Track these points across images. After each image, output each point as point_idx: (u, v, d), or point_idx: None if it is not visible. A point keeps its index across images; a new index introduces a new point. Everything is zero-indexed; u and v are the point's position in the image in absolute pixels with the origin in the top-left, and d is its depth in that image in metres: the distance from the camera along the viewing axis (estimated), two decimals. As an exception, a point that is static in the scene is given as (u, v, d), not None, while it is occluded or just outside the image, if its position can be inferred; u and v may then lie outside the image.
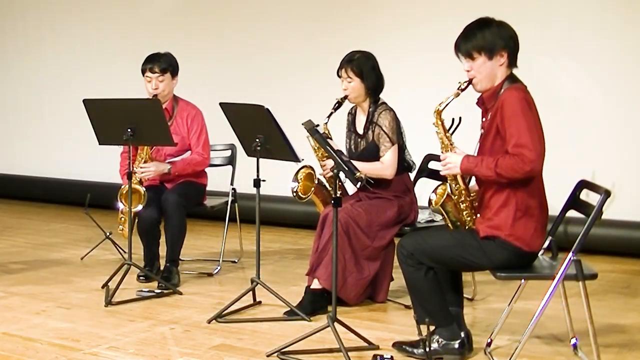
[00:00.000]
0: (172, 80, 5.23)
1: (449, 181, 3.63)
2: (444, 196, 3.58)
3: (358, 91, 4.58)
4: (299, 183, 4.67)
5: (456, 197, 3.61)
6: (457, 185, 3.61)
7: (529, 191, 3.48)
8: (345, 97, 4.58)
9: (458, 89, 3.54)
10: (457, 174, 3.57)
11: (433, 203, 3.61)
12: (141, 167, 5.09)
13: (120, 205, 5.08)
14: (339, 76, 4.60)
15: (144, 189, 5.02)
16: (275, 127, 4.28)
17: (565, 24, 6.27)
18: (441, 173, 3.66)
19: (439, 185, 3.63)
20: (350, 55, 4.61)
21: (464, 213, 3.62)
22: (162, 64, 5.16)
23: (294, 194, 4.67)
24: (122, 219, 5.13)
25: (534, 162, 3.35)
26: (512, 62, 3.55)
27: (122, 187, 5.06)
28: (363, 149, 4.64)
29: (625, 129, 6.15)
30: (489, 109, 3.54)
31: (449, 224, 3.66)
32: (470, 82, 3.55)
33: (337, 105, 4.56)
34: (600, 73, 6.20)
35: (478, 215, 3.63)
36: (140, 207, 4.96)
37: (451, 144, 3.61)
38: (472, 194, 3.63)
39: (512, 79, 3.54)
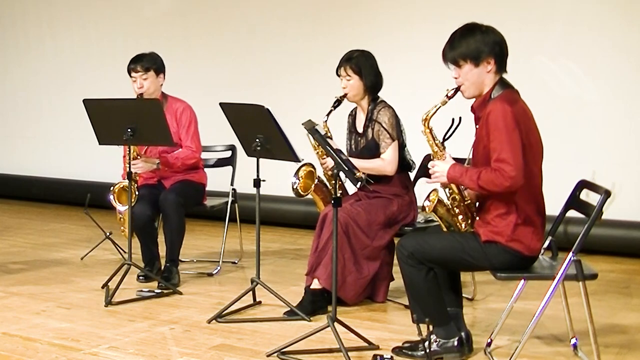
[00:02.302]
0: (156, 78, 5.24)
1: (441, 187, 3.64)
2: (435, 202, 3.59)
3: (357, 89, 4.59)
4: (299, 180, 4.68)
5: (449, 202, 3.61)
6: (451, 191, 3.62)
7: (526, 198, 3.48)
8: (345, 96, 4.59)
9: (445, 96, 3.54)
10: (445, 183, 3.58)
11: (427, 209, 3.62)
12: (132, 164, 5.10)
13: (111, 198, 5.08)
14: (338, 75, 4.61)
15: (136, 185, 5.01)
16: (275, 127, 4.28)
17: (565, 24, 6.27)
18: (428, 182, 3.65)
19: (432, 191, 3.63)
20: (349, 54, 4.62)
21: (459, 218, 3.62)
22: (145, 63, 5.20)
23: (294, 190, 4.67)
24: (122, 219, 5.15)
25: (513, 178, 3.35)
26: (501, 68, 3.53)
27: (117, 183, 5.09)
28: (363, 147, 4.65)
29: (625, 129, 6.15)
30: (480, 117, 3.54)
31: (444, 228, 3.66)
32: (458, 89, 3.55)
33: (336, 103, 4.58)
34: (600, 73, 6.20)
35: (477, 218, 3.63)
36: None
37: (441, 151, 3.61)
38: (467, 199, 3.63)
39: (502, 84, 3.52)
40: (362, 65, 4.57)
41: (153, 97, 5.20)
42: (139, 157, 5.08)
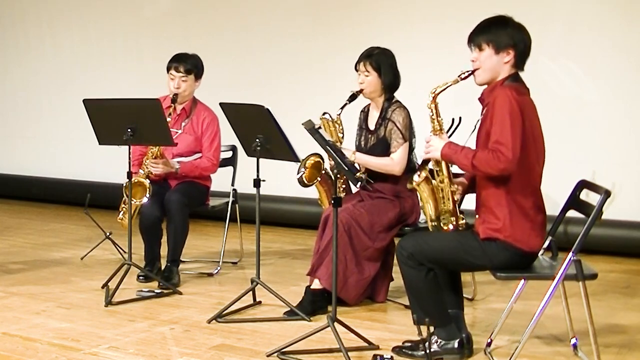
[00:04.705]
0: (194, 82, 5.29)
1: (432, 165, 3.66)
2: (422, 178, 3.62)
3: (374, 86, 4.58)
4: (305, 169, 4.63)
5: (435, 182, 3.63)
6: (440, 173, 3.63)
7: (522, 192, 3.49)
8: (361, 91, 4.58)
9: (458, 76, 3.57)
10: (437, 158, 3.60)
11: (413, 183, 3.65)
12: (151, 162, 5.11)
13: (125, 197, 5.08)
14: (357, 70, 4.60)
15: (149, 182, 5.02)
16: (275, 127, 4.28)
17: (565, 24, 6.27)
18: (424, 156, 3.67)
19: (423, 168, 3.66)
20: (369, 50, 4.62)
21: (442, 202, 3.64)
22: (188, 64, 5.23)
23: (299, 180, 4.63)
24: (124, 208, 5.15)
25: (509, 162, 3.36)
26: (519, 64, 3.57)
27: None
28: (373, 144, 4.63)
29: (625, 129, 6.15)
30: (487, 104, 3.55)
31: (426, 212, 3.68)
32: (472, 72, 3.57)
33: (351, 97, 4.56)
34: (600, 73, 6.20)
35: (477, 216, 3.63)
36: (145, 199, 4.97)
37: (441, 130, 3.63)
38: (454, 186, 3.64)
39: (515, 79, 3.56)
40: (382, 62, 4.56)
41: (185, 100, 5.26)
42: (161, 157, 5.10)
